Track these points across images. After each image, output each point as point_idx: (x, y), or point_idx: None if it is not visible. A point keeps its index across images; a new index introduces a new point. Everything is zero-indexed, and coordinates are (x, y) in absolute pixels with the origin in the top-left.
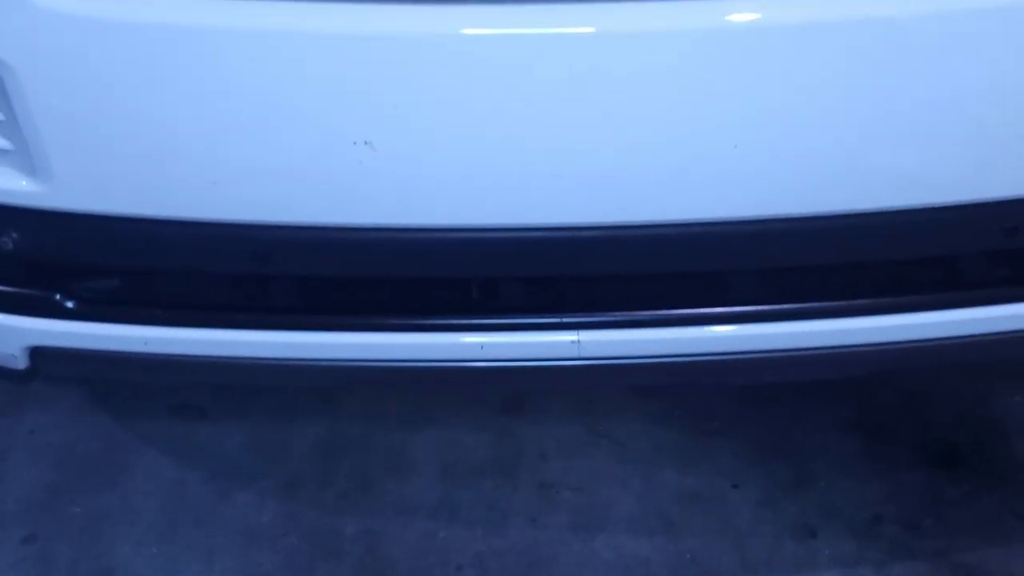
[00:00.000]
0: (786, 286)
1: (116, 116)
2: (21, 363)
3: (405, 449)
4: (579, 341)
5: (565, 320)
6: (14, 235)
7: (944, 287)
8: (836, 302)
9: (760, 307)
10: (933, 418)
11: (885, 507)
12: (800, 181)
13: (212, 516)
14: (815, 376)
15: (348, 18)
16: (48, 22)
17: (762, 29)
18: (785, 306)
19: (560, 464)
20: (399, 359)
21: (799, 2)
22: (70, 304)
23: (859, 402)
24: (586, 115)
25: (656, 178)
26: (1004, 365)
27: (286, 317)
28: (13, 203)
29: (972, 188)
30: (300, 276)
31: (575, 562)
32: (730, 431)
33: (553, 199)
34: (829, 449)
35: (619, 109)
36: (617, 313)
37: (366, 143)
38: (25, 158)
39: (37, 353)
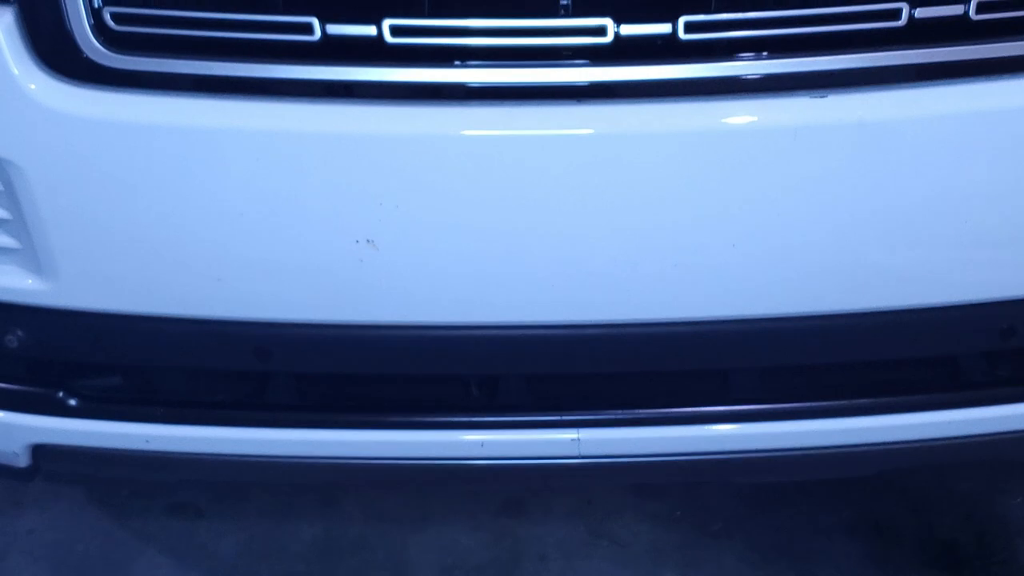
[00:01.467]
0: (787, 385)
1: (122, 215)
2: (23, 461)
3: (404, 550)
4: (579, 439)
5: (565, 418)
6: (19, 333)
7: (945, 387)
8: (837, 401)
9: (762, 406)
10: (936, 519)
11: None
12: (797, 281)
13: None
14: (818, 475)
15: (350, 119)
16: (55, 122)
17: (758, 131)
18: (787, 405)
19: (560, 565)
20: (399, 457)
21: (794, 105)
22: (73, 402)
23: (862, 501)
24: (586, 214)
25: (655, 277)
26: (1008, 464)
27: (286, 414)
28: (18, 301)
29: (967, 289)
30: (301, 373)
31: None
32: (733, 532)
33: (553, 297)
34: (833, 551)
35: (618, 209)
36: (617, 411)
37: (368, 241)
38: (31, 257)
39: (39, 451)
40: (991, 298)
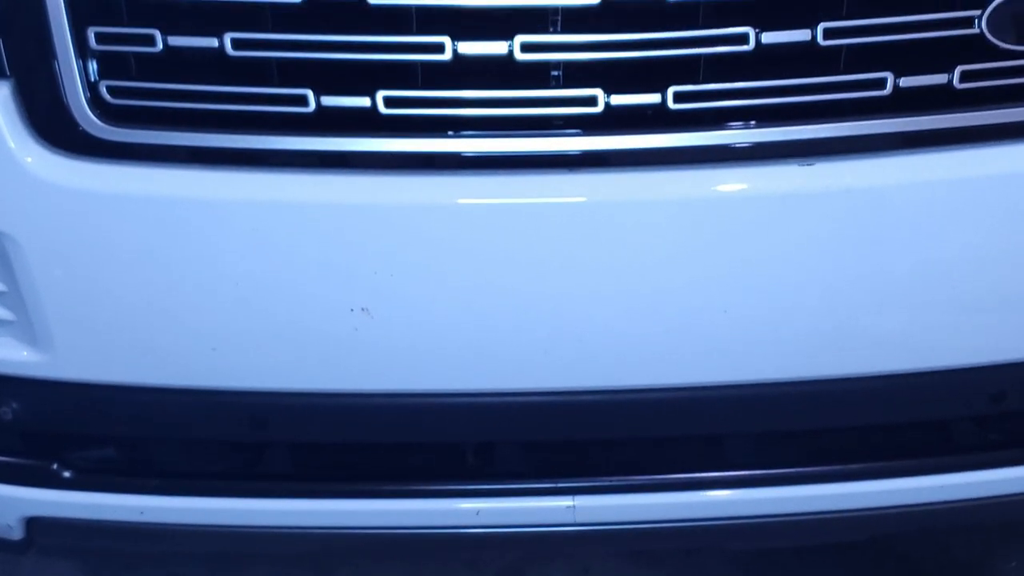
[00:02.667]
0: (780, 450)
1: (118, 286)
2: (17, 533)
3: None
4: (574, 506)
5: (560, 485)
6: (13, 405)
7: (937, 451)
8: (829, 466)
9: (755, 472)
10: None
11: None
12: (788, 346)
13: None
14: (812, 540)
15: (345, 189)
16: (51, 195)
17: (747, 198)
18: (779, 471)
19: None
20: (395, 526)
21: (782, 173)
22: (67, 474)
23: (861, 567)
24: (579, 281)
25: (648, 343)
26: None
27: (281, 485)
28: (13, 373)
29: (957, 354)
30: (296, 442)
31: None
32: None
33: (547, 364)
34: None
35: (612, 276)
36: (612, 478)
37: (363, 310)
38: (26, 328)
39: (33, 524)
40: (981, 363)
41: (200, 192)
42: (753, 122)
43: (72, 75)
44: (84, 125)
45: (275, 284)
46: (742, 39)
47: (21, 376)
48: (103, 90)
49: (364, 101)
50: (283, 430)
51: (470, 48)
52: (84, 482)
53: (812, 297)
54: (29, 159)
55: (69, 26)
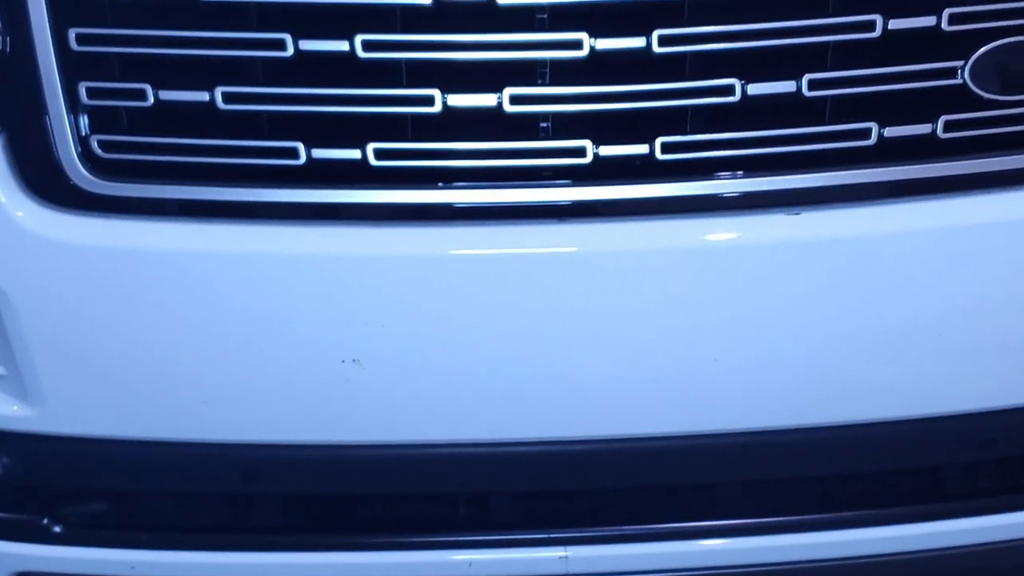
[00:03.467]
0: (774, 498)
1: (108, 339)
2: None
3: None
4: (567, 557)
5: (553, 535)
6: (4, 460)
7: (928, 498)
8: (823, 514)
9: (748, 520)
10: None
11: None
12: (777, 395)
13: None
14: None
15: (335, 240)
16: (42, 249)
17: (735, 247)
18: (774, 519)
19: None
20: None
21: (770, 222)
22: (57, 528)
23: None
24: (571, 331)
25: (639, 392)
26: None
27: (272, 537)
28: (3, 428)
29: (946, 401)
30: (287, 495)
31: None
32: None
33: (539, 413)
34: None
35: (602, 325)
36: (605, 528)
37: (354, 361)
38: (17, 383)
39: None
40: (970, 410)
41: (190, 245)
42: (740, 172)
43: (63, 129)
44: (75, 179)
45: (266, 336)
46: (728, 90)
47: (11, 431)
48: (94, 144)
49: (354, 153)
50: (275, 482)
51: (460, 101)
52: (75, 537)
53: (801, 345)
54: (20, 213)
55: (60, 81)
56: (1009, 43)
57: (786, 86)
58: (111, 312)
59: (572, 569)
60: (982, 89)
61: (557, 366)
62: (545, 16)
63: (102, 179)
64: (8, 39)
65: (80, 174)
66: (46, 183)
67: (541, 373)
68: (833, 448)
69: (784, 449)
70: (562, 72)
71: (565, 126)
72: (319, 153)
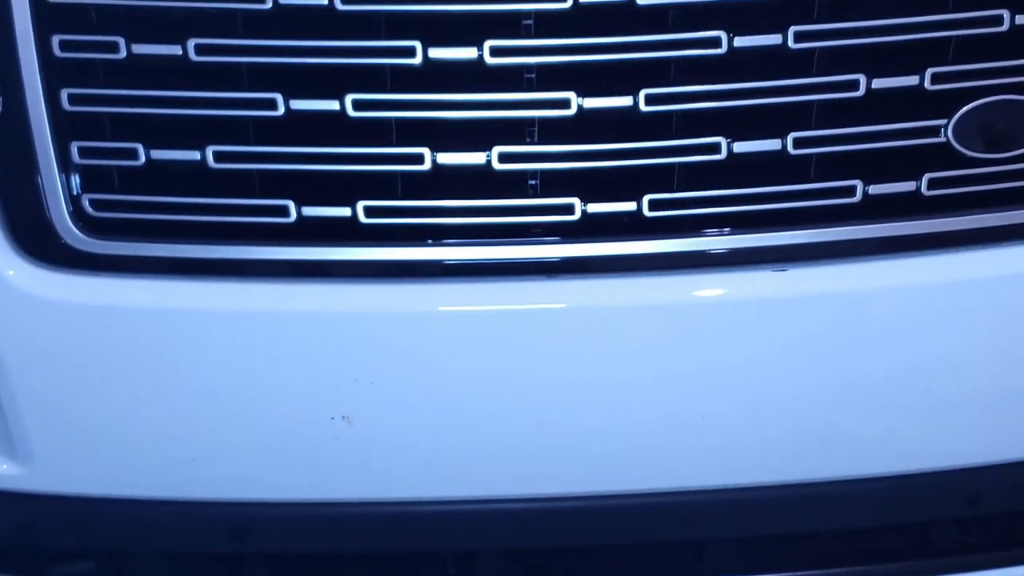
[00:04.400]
0: (763, 555)
1: (99, 398)
2: None
3: None
4: None
5: None
6: None
7: (916, 554)
8: (814, 570)
9: None
10: None
11: None
12: (766, 451)
13: None
14: None
15: (325, 298)
16: (32, 308)
17: (723, 304)
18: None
19: None
20: None
21: (757, 278)
22: None
23: None
24: (561, 387)
25: (629, 448)
26: None
27: None
28: None
29: (933, 457)
30: (275, 554)
31: None
32: None
33: (528, 470)
34: None
35: (592, 381)
36: None
37: (344, 418)
38: (6, 441)
39: None
40: (958, 465)
41: (181, 303)
42: (727, 228)
43: (55, 189)
44: (66, 238)
45: (256, 393)
46: (714, 148)
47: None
48: (85, 203)
49: (344, 211)
50: (264, 541)
51: (449, 159)
52: None
53: (789, 401)
54: (11, 272)
55: (53, 141)
56: (990, 102)
57: (772, 144)
58: (102, 370)
59: None
60: (965, 147)
61: (547, 422)
62: (533, 76)
63: (93, 238)
64: (1, 99)
65: (71, 233)
66: (37, 242)
67: (531, 429)
68: (822, 504)
69: (774, 505)
70: (550, 130)
71: (554, 183)
72: (309, 211)
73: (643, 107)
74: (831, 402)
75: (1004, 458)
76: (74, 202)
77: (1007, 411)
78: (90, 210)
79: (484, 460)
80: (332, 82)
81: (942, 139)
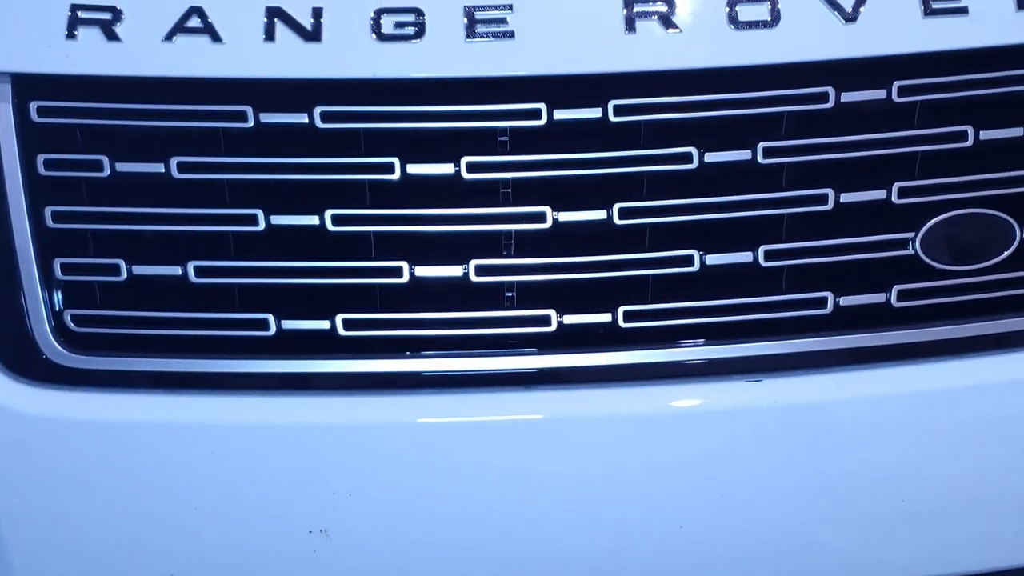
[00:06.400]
0: None
1: (78, 512)
2: None
3: None
4: None
5: None
6: None
7: None
8: None
9: None
10: None
11: None
12: (743, 560)
13: None
14: None
15: (304, 410)
16: (12, 423)
17: (697, 414)
18: None
19: None
20: None
21: (731, 388)
22: None
23: None
24: (538, 498)
25: (606, 558)
26: None
27: None
28: None
29: (910, 567)
30: None
31: None
32: None
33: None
34: None
35: (568, 492)
36: None
37: (321, 531)
38: None
39: None
40: (934, 575)
41: (161, 417)
42: (701, 340)
43: (37, 304)
44: (48, 353)
45: (235, 507)
46: (688, 261)
47: None
48: (67, 318)
49: (323, 324)
50: None
51: (427, 272)
52: None
53: (765, 511)
54: None
55: (36, 258)
56: (957, 215)
57: (743, 256)
58: (82, 484)
59: None
60: (933, 259)
61: (525, 533)
62: (509, 190)
63: (74, 353)
64: None
65: (53, 348)
66: (18, 357)
67: (509, 540)
68: None
69: None
70: (526, 243)
71: (530, 295)
72: (289, 324)
73: (617, 220)
74: (806, 511)
75: (980, 568)
76: (56, 318)
77: (982, 519)
78: (72, 325)
79: (462, 571)
80: (312, 197)
81: (910, 251)
